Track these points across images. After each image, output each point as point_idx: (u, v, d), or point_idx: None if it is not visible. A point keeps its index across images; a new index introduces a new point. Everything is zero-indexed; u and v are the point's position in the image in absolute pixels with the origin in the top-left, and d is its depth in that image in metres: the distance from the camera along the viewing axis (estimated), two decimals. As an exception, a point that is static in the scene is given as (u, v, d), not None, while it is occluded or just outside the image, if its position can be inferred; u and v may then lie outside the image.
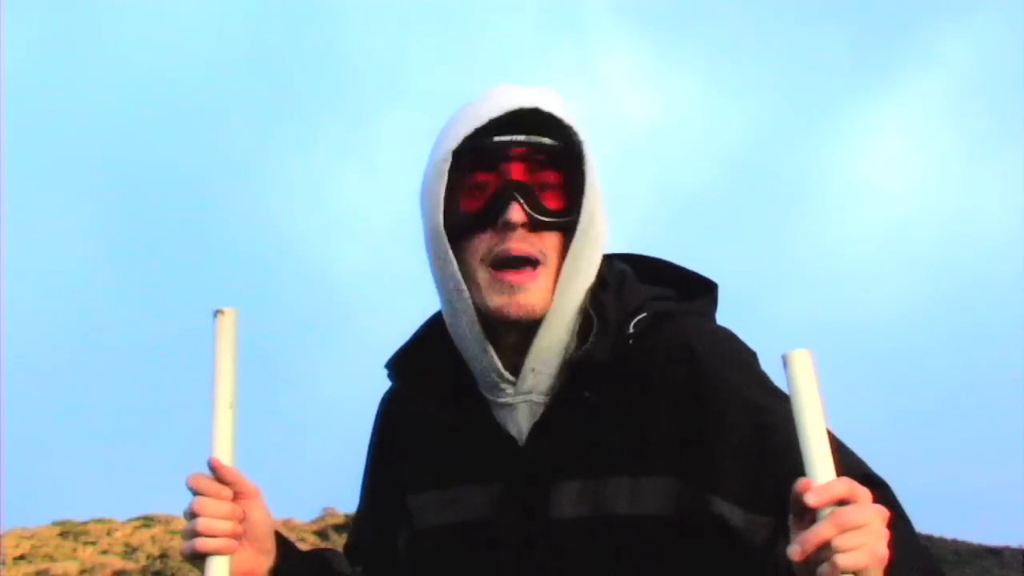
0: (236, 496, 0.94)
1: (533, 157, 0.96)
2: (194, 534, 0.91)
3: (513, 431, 1.00)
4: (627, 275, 1.06)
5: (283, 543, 1.03)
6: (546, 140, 0.96)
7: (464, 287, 0.97)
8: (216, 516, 0.91)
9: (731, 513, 0.89)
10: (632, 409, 0.96)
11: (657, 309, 1.00)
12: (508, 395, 0.99)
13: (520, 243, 0.95)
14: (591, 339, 0.96)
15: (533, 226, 0.95)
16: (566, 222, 0.96)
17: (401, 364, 1.09)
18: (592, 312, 0.99)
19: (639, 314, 0.99)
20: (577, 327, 0.99)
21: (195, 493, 0.93)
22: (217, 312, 0.96)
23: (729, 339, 1.02)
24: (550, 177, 0.97)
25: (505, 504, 0.98)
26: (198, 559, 0.92)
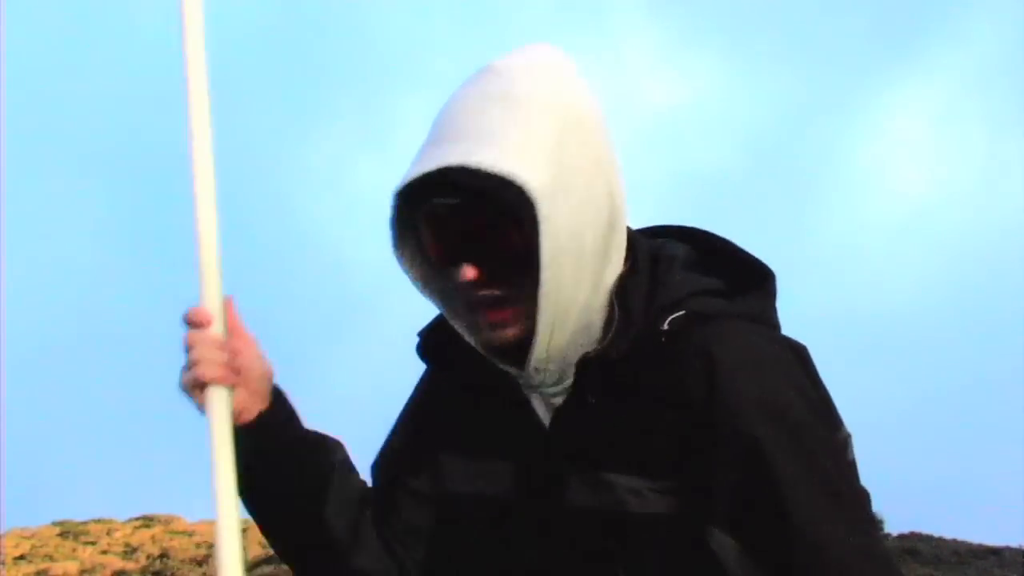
0: (229, 335, 0.95)
1: (476, 209, 0.90)
2: (190, 366, 0.92)
3: (540, 413, 1.00)
4: (675, 260, 0.99)
5: (280, 395, 1.02)
6: (482, 197, 0.89)
7: (448, 313, 0.99)
8: (207, 344, 0.92)
9: (722, 550, 0.86)
10: (646, 413, 0.92)
11: (699, 307, 0.93)
12: (522, 385, 1.00)
13: (483, 291, 0.92)
14: (609, 336, 0.94)
15: (492, 276, 0.92)
16: (529, 264, 0.90)
17: (431, 337, 1.08)
18: (615, 303, 0.94)
19: (677, 310, 0.93)
20: (603, 318, 0.95)
21: (190, 327, 0.94)
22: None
23: (762, 354, 0.92)
24: (503, 222, 0.90)
25: (524, 486, 0.98)
26: (197, 390, 0.92)
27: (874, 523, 0.92)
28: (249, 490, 0.95)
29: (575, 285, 0.92)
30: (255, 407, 0.98)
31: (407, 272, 0.99)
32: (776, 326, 0.99)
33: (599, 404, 0.94)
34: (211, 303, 0.94)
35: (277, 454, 1.01)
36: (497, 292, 0.93)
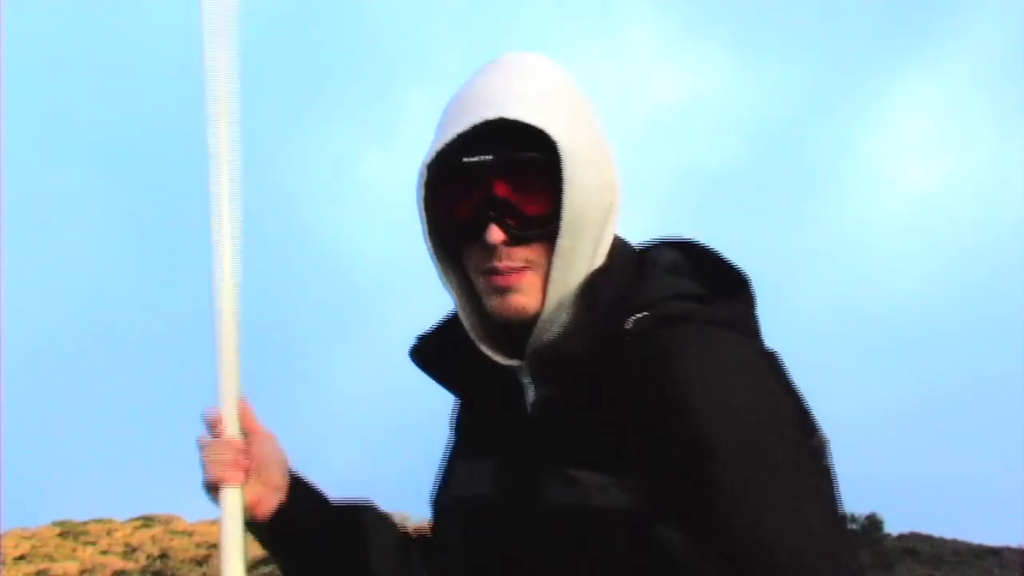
0: (245, 433, 1.04)
1: (507, 170, 0.94)
2: (204, 467, 1.01)
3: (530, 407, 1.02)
4: (657, 264, 1.01)
5: (299, 482, 1.07)
6: (517, 153, 0.93)
7: (451, 291, 1.01)
8: (220, 446, 1.02)
9: (671, 544, 0.86)
10: (609, 411, 0.91)
11: (668, 310, 0.94)
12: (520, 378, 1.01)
13: (504, 261, 0.95)
14: (563, 330, 0.96)
15: (515, 241, 0.94)
16: (549, 230, 0.94)
17: (430, 340, 1.10)
18: (580, 300, 0.96)
19: (645, 311, 0.93)
20: (571, 310, 0.97)
21: (208, 428, 1.03)
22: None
23: (724, 356, 0.91)
24: (529, 184, 0.94)
25: (502, 483, 0.99)
26: (214, 491, 1.01)
27: (836, 530, 0.88)
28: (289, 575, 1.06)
29: (581, 261, 0.95)
30: (273, 499, 1.04)
31: (432, 255, 1.01)
32: (752, 332, 0.98)
33: (565, 400, 0.94)
34: (228, 405, 1.04)
35: (305, 538, 1.07)
36: (514, 263, 0.95)
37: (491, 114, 0.92)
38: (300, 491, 1.07)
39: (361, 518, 1.12)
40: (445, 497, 1.10)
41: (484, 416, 1.06)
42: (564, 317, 0.96)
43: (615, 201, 1.00)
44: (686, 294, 0.96)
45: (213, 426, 1.03)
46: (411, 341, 1.10)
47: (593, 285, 0.96)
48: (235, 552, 1.00)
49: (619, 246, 1.01)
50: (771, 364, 0.93)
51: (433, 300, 1.06)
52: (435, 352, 1.08)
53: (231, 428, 1.03)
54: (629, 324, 0.92)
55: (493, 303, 0.97)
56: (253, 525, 1.03)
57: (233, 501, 1.01)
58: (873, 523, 15.49)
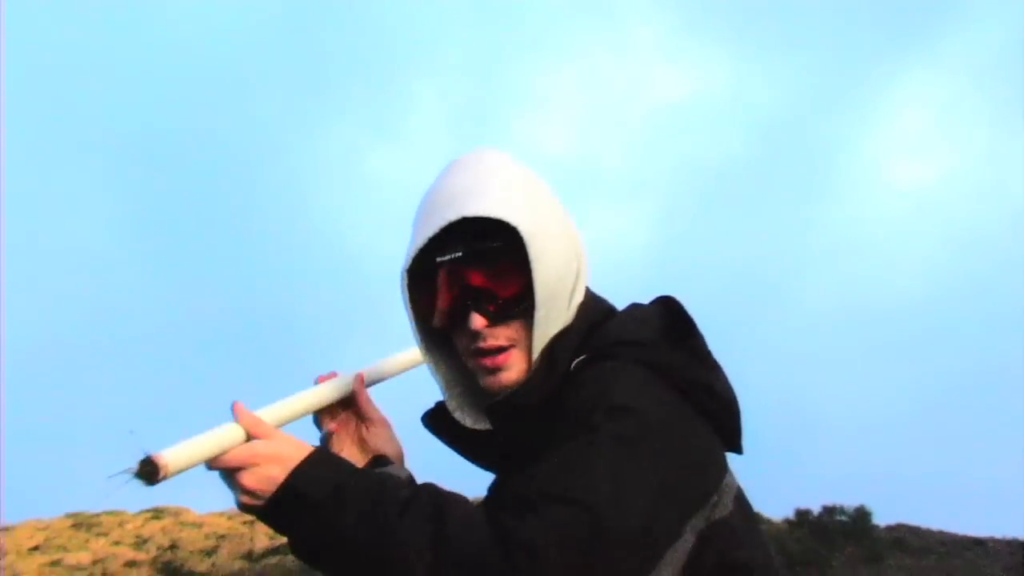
0: (363, 419, 1.14)
1: (478, 261, 1.02)
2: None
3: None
4: (621, 317, 1.09)
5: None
6: (484, 245, 1.01)
7: (437, 376, 1.12)
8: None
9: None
10: (549, 436, 0.96)
11: (607, 352, 1.01)
12: None
13: (490, 341, 1.04)
14: (520, 385, 1.04)
15: (495, 321, 1.03)
16: (525, 307, 1.02)
17: (435, 411, 1.17)
18: (540, 360, 1.04)
19: (591, 353, 1.01)
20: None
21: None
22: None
23: (613, 372, 0.97)
24: (500, 270, 1.02)
25: None
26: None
27: (655, 510, 0.89)
28: None
29: (557, 325, 1.04)
30: None
31: (421, 347, 1.11)
32: (690, 378, 1.00)
33: (520, 442, 1.03)
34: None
35: None
36: (498, 342, 1.04)
37: (452, 215, 1.00)
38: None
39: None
40: None
41: (487, 468, 1.17)
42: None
43: (581, 267, 1.09)
44: (629, 340, 1.02)
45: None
46: (427, 408, 1.18)
47: (553, 345, 1.05)
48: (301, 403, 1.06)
49: (590, 303, 1.09)
50: (670, 388, 0.98)
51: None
52: (438, 421, 1.16)
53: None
54: (572, 366, 1.02)
55: (486, 381, 1.06)
56: None
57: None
58: (862, 515, 15.61)
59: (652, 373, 0.98)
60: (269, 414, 1.00)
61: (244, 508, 0.91)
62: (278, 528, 0.90)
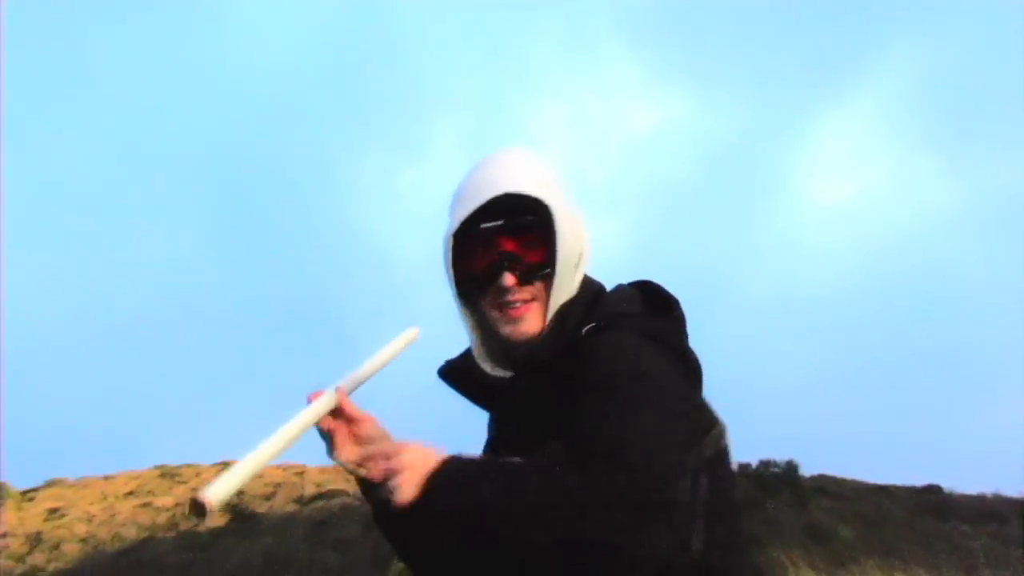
0: (350, 420, 1.12)
1: (513, 230, 1.17)
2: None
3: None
4: (616, 292, 1.25)
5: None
6: (520, 218, 1.17)
7: (467, 326, 1.27)
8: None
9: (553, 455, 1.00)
10: (560, 394, 1.08)
11: (610, 321, 1.14)
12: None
13: (516, 295, 1.19)
14: (539, 340, 1.18)
15: (522, 282, 1.18)
16: (546, 273, 1.18)
17: (450, 365, 1.34)
18: (553, 322, 1.19)
19: (597, 323, 1.14)
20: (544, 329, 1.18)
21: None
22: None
23: (622, 341, 1.10)
24: (530, 238, 1.18)
25: (506, 453, 1.12)
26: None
27: (673, 445, 0.99)
28: None
29: (567, 292, 1.22)
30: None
31: (456, 301, 1.25)
32: (672, 345, 1.16)
33: (535, 389, 1.17)
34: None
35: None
36: (523, 296, 1.20)
37: (499, 191, 1.17)
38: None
39: None
40: None
41: (497, 416, 1.33)
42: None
43: (585, 248, 1.27)
44: (624, 312, 1.19)
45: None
46: (440, 364, 1.35)
47: (563, 311, 1.22)
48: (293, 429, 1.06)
49: (587, 281, 1.28)
50: (663, 353, 1.13)
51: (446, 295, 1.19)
52: (457, 372, 1.34)
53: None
54: (583, 332, 1.18)
55: (507, 330, 1.21)
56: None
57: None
58: (791, 467, 16.63)
59: (647, 339, 1.14)
60: (283, 433, 1.05)
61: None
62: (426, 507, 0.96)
